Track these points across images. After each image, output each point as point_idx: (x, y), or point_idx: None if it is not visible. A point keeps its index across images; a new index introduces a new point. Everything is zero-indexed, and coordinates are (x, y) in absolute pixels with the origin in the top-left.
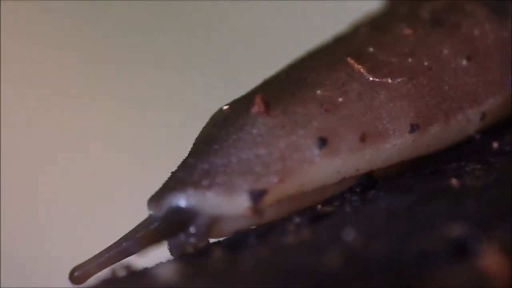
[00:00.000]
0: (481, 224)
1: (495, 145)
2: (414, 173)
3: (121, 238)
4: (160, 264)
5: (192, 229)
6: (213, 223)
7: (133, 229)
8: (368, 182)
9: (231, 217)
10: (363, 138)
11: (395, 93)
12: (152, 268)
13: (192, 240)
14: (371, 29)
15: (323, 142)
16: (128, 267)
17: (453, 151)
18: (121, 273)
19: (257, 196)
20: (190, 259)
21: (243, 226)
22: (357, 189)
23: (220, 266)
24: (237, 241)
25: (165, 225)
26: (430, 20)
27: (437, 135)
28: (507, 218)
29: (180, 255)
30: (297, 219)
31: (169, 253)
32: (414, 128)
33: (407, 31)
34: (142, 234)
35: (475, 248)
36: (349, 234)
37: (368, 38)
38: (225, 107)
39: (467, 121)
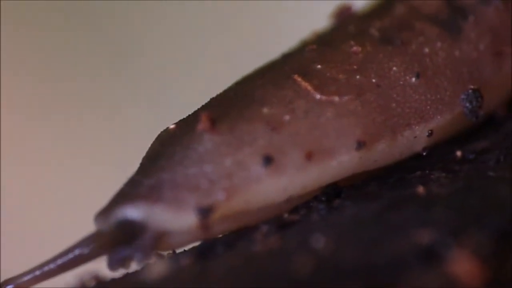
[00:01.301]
0: (450, 230)
1: (459, 153)
2: (379, 181)
3: (64, 251)
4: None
5: (139, 243)
6: (160, 237)
7: (77, 243)
8: (333, 191)
9: (178, 232)
10: (309, 156)
11: (342, 110)
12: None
13: (138, 254)
14: (318, 46)
15: (268, 160)
16: (96, 277)
17: (417, 159)
18: (90, 284)
19: (204, 212)
20: (160, 267)
21: (190, 241)
22: (323, 198)
23: (190, 275)
24: (206, 250)
25: (112, 238)
26: (379, 37)
27: (384, 151)
28: (476, 224)
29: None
30: (264, 228)
31: (108, 268)
32: (360, 145)
33: (356, 48)
34: (89, 247)
35: (446, 254)
36: (318, 241)
37: (315, 55)
38: (171, 126)
39: (414, 137)
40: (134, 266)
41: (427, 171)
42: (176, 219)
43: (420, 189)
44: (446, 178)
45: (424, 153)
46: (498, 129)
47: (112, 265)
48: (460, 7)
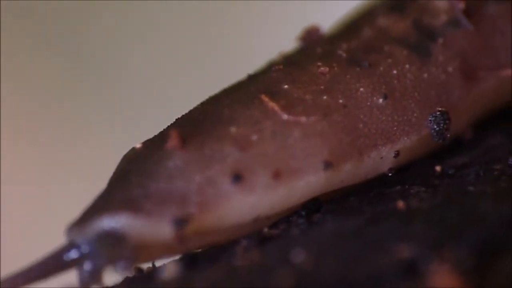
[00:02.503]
0: (430, 245)
1: (438, 168)
2: (359, 196)
3: (38, 263)
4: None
5: (119, 255)
6: (138, 249)
7: (52, 255)
8: (313, 205)
9: (156, 244)
10: (277, 176)
11: (309, 131)
12: None
13: (119, 266)
14: (285, 67)
15: (237, 178)
16: None
17: (397, 174)
18: None
19: (179, 223)
20: (141, 282)
21: (168, 254)
22: (303, 212)
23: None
24: (188, 263)
25: (92, 249)
26: (346, 59)
27: (350, 172)
28: (456, 239)
29: (128, 277)
30: (244, 242)
31: (79, 281)
32: (328, 165)
33: (323, 69)
34: (63, 259)
35: (426, 268)
36: (299, 256)
37: (282, 75)
38: (138, 146)
39: (381, 158)
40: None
41: (407, 186)
42: (153, 229)
43: (400, 204)
44: (426, 193)
45: (390, 174)
46: (478, 145)
47: (85, 278)
48: (429, 30)
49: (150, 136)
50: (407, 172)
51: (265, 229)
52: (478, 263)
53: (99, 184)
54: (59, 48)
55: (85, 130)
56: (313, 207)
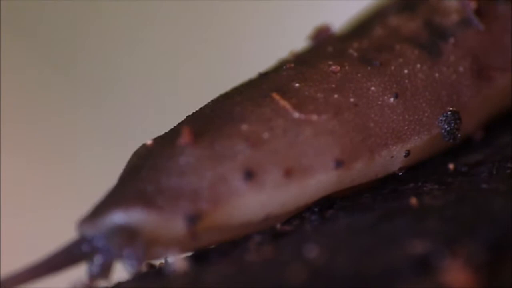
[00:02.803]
0: (444, 241)
1: (451, 166)
2: (372, 193)
3: (49, 257)
4: (122, 283)
5: (131, 250)
6: (151, 244)
7: (63, 249)
8: (326, 202)
9: (168, 239)
10: (288, 174)
11: (320, 129)
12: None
13: (131, 261)
14: (296, 65)
15: (248, 175)
16: None
17: (410, 172)
18: None
19: (191, 219)
20: (153, 277)
21: (180, 250)
22: (316, 209)
23: (185, 283)
24: (200, 258)
25: (104, 243)
26: (358, 58)
27: (361, 171)
28: (469, 235)
29: (139, 273)
30: (257, 238)
31: (88, 275)
32: (339, 163)
33: (334, 67)
34: (76, 252)
35: (440, 264)
36: (312, 251)
37: (293, 73)
38: (149, 143)
39: (392, 157)
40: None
41: (420, 183)
42: (165, 225)
43: (413, 201)
44: (439, 190)
45: (400, 173)
46: (490, 143)
47: (94, 272)
48: (440, 29)
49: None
50: (420, 169)
51: (278, 225)
52: (490, 259)
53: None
54: (52, 56)
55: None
56: (326, 204)
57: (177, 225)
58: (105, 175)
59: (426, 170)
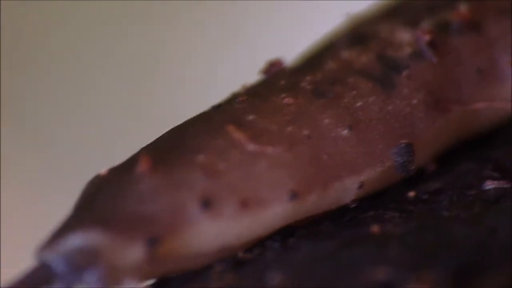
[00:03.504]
0: (407, 267)
1: (412, 194)
2: (333, 220)
3: (12, 285)
4: None
5: (91, 275)
6: (111, 269)
7: (22, 277)
8: (287, 230)
9: (128, 264)
10: (244, 205)
11: (275, 162)
12: None
13: (91, 285)
14: (249, 98)
15: (205, 205)
16: None
17: (370, 200)
18: None
19: (149, 245)
20: None
21: (140, 277)
22: (277, 237)
23: None
24: (162, 286)
25: (64, 268)
26: (311, 90)
27: (315, 203)
28: (432, 262)
29: None
30: (219, 266)
31: None
32: (293, 196)
33: (288, 100)
34: (36, 280)
35: None
36: (274, 279)
37: (247, 106)
38: (103, 172)
39: (345, 189)
40: None
41: (381, 211)
42: (125, 248)
43: (375, 228)
44: (400, 218)
45: (352, 206)
46: (450, 171)
47: None
48: (393, 62)
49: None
50: (380, 197)
51: (240, 254)
52: (454, 286)
53: None
54: None
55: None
56: (287, 232)
57: (136, 249)
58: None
59: (386, 198)
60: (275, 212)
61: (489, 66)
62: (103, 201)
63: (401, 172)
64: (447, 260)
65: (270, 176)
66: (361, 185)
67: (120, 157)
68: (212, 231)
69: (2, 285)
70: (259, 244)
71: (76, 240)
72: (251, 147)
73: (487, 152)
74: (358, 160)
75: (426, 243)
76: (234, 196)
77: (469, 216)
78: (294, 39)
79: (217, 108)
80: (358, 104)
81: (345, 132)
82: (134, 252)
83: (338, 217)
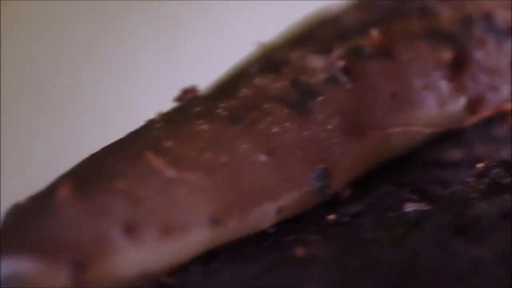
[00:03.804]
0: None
1: (332, 217)
2: (256, 244)
3: None
4: None
5: None
6: None
7: None
8: (210, 254)
9: None
10: (164, 232)
11: (194, 188)
12: None
13: None
14: (166, 125)
15: (127, 231)
16: None
17: (291, 223)
18: None
19: (74, 270)
20: None
21: None
22: (199, 261)
23: None
24: None
25: None
26: (227, 116)
27: (235, 228)
28: (358, 284)
29: None
30: None
31: None
32: (213, 222)
33: (204, 126)
34: None
35: None
36: None
37: (164, 132)
38: (21, 201)
39: (264, 215)
40: None
41: (302, 234)
42: (50, 274)
43: (298, 251)
44: (323, 241)
45: (271, 231)
46: (369, 194)
47: None
48: (308, 88)
49: None
50: (301, 221)
51: (163, 278)
52: None
53: None
54: None
55: None
56: (210, 256)
57: (62, 275)
58: None
59: (307, 221)
60: (196, 238)
61: (403, 91)
62: (26, 229)
63: (319, 197)
64: (371, 282)
65: (189, 203)
66: (279, 211)
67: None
68: (135, 257)
69: None
70: (182, 268)
71: (4, 268)
72: (170, 173)
73: (405, 175)
74: (276, 186)
75: (351, 265)
76: (155, 223)
77: (391, 238)
78: (207, 67)
79: (135, 135)
80: (274, 130)
81: (262, 157)
82: (60, 278)
83: (260, 241)
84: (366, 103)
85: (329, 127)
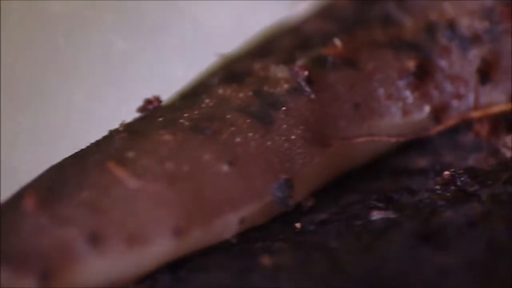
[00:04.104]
0: None
1: (298, 225)
2: (223, 252)
3: None
4: None
5: None
6: None
7: None
8: (177, 262)
9: None
10: (128, 242)
11: (157, 198)
12: None
13: None
14: (129, 135)
15: (91, 242)
16: None
17: (257, 231)
18: None
19: (42, 279)
20: None
21: None
22: (166, 269)
23: None
24: None
25: None
26: (190, 127)
27: (198, 238)
28: None
29: None
30: None
31: None
32: (176, 232)
33: (167, 136)
34: None
35: None
36: None
37: (127, 143)
38: None
39: (226, 224)
40: None
41: (269, 242)
42: (19, 283)
43: (265, 259)
44: (290, 249)
45: (234, 241)
46: (334, 202)
47: None
48: (271, 99)
49: None
50: (267, 229)
51: (131, 286)
52: None
53: None
54: None
55: None
56: (177, 264)
57: (29, 283)
58: None
59: (273, 229)
60: (160, 248)
61: (366, 100)
62: None
63: (281, 207)
64: None
65: (152, 213)
66: (242, 221)
67: None
68: (101, 267)
69: None
70: (150, 276)
71: None
72: (132, 184)
73: (372, 183)
74: (239, 196)
75: (317, 273)
76: (119, 233)
77: (358, 247)
78: (170, 78)
79: (97, 145)
80: (237, 140)
81: (225, 168)
82: (28, 286)
83: (227, 249)
84: (329, 113)
85: (292, 137)
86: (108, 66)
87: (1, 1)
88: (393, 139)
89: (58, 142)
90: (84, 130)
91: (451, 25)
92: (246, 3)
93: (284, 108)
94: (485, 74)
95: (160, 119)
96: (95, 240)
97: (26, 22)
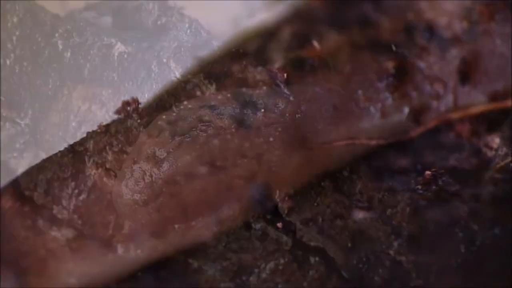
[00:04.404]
0: None
1: (280, 225)
2: (205, 252)
3: None
4: None
5: None
6: None
7: None
8: (160, 262)
9: None
10: (106, 244)
11: (135, 200)
12: None
13: None
14: (108, 137)
15: (71, 243)
16: None
17: (237, 232)
18: None
19: (19, 280)
20: None
21: None
22: (150, 269)
23: None
24: None
25: None
26: (168, 130)
27: (176, 240)
28: None
29: None
30: None
31: None
32: (154, 234)
33: (144, 138)
34: None
35: None
36: None
37: (105, 145)
38: None
39: (205, 227)
40: None
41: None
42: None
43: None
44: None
45: (213, 244)
46: (317, 201)
47: None
48: (249, 101)
49: None
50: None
51: (113, 285)
52: None
53: None
54: None
55: None
56: (160, 264)
57: (10, 282)
58: None
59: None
60: (138, 250)
61: (345, 102)
62: None
63: (258, 209)
64: None
65: (130, 214)
66: (219, 222)
67: None
68: (80, 268)
69: None
70: (131, 277)
71: None
72: (110, 186)
73: (353, 183)
74: (217, 198)
75: (297, 275)
76: (96, 235)
77: (340, 246)
78: (168, 80)
79: (74, 147)
80: (215, 142)
81: (203, 169)
82: (9, 284)
83: (209, 250)
84: (308, 115)
85: (271, 139)
86: (107, 68)
87: (1, 1)
88: (373, 143)
89: (57, 144)
90: (83, 132)
91: (430, 26)
92: (246, 3)
93: (262, 110)
94: (465, 74)
95: (139, 121)
96: (75, 242)
97: (25, 23)
